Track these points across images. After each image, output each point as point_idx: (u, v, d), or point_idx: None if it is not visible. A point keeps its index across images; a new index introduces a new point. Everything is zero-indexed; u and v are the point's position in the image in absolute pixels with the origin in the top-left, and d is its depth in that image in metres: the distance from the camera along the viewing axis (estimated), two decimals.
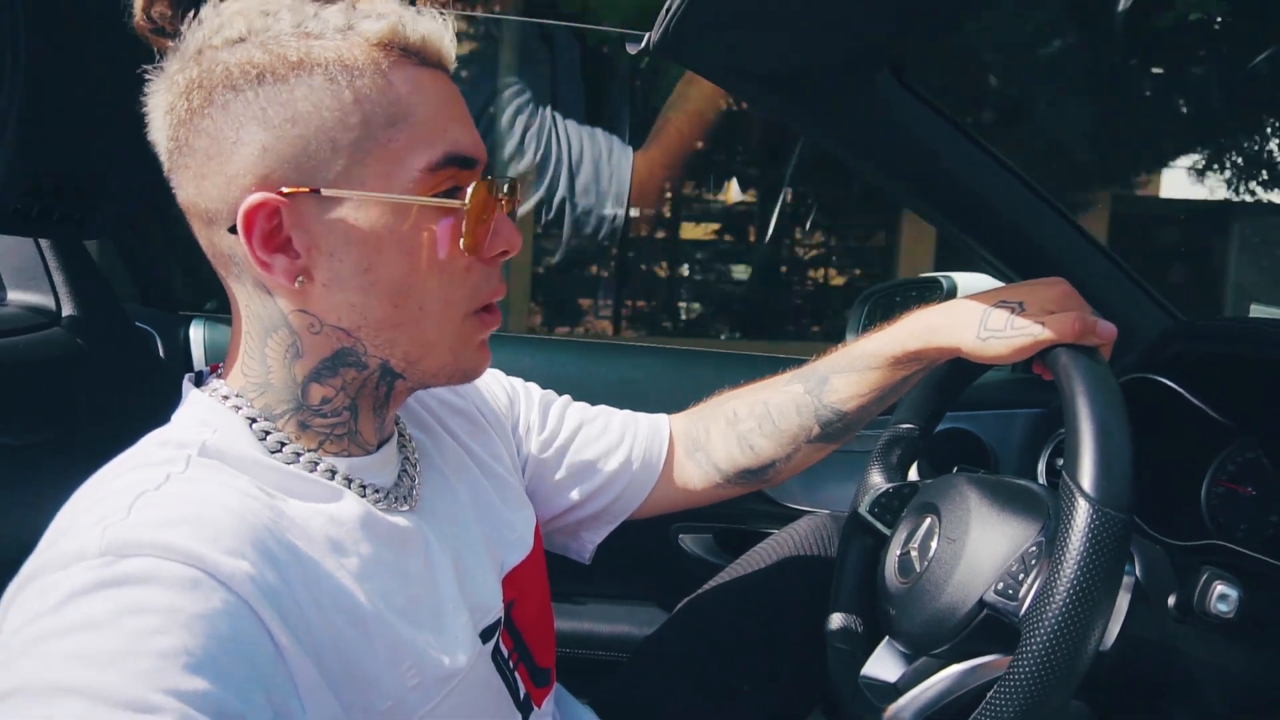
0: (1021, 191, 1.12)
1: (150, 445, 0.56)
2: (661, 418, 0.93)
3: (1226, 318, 1.01)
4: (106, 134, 0.85)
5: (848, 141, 1.12)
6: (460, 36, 0.62)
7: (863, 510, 0.84)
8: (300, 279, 0.55)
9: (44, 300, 1.04)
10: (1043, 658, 0.55)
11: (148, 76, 0.56)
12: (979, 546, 0.67)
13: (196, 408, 0.59)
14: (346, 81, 0.53)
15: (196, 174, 0.55)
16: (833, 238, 6.20)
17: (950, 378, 0.84)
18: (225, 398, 0.59)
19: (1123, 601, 0.63)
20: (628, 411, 0.92)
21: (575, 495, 0.86)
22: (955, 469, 0.80)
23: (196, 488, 0.52)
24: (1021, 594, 0.63)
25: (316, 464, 0.59)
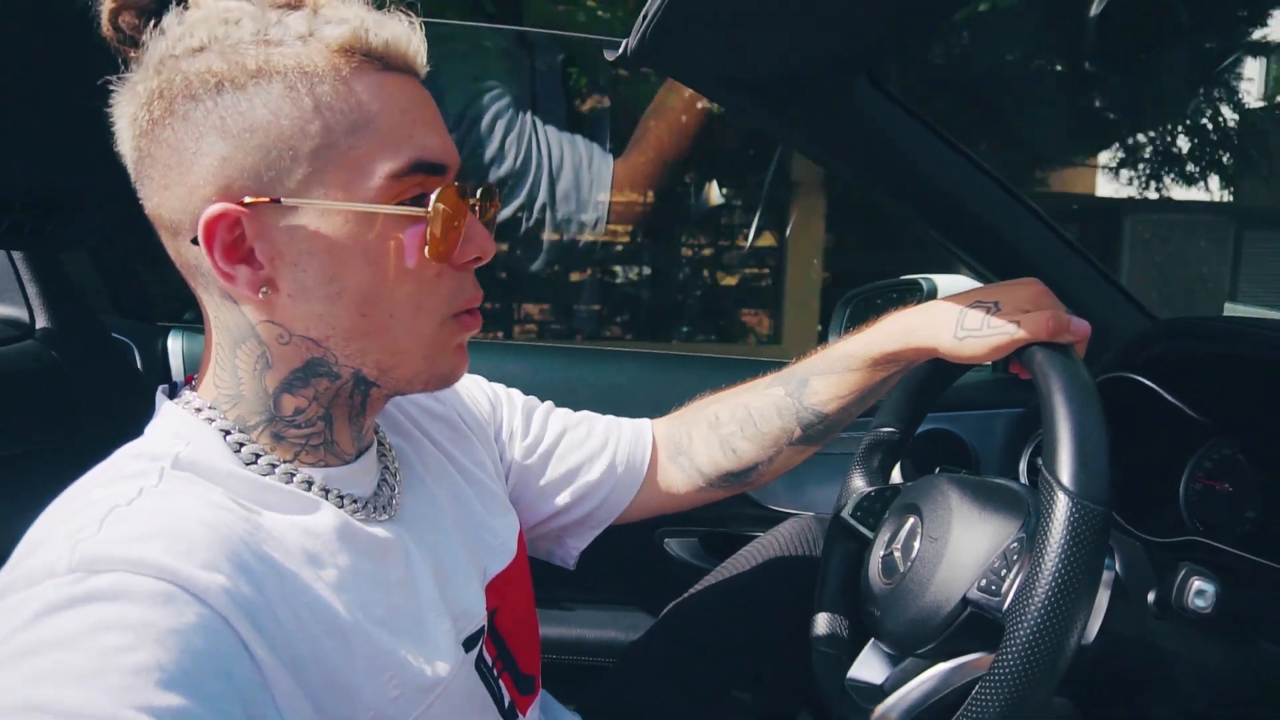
0: (997, 193, 1.13)
1: (123, 459, 0.55)
2: (644, 422, 0.93)
3: (1202, 316, 1.02)
4: (78, 146, 0.84)
5: (825, 146, 1.13)
6: (436, 41, 0.61)
7: (845, 514, 0.85)
8: (264, 289, 0.55)
9: (17, 313, 1.03)
10: (1027, 650, 0.56)
11: (112, 87, 0.55)
12: (961, 545, 0.68)
13: (169, 420, 0.58)
14: (306, 89, 0.53)
15: (160, 185, 0.54)
16: (722, 239, 6.23)
17: (929, 380, 0.85)
18: (198, 410, 0.58)
19: (1103, 598, 0.64)
20: (610, 417, 0.92)
21: (559, 501, 0.86)
22: (937, 469, 0.81)
23: (170, 501, 0.51)
24: (1004, 589, 0.63)
25: (293, 475, 0.59)
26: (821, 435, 0.86)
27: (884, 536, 0.79)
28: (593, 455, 0.87)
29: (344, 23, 0.54)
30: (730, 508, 1.19)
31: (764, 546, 1.00)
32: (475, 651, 0.67)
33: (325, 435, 0.61)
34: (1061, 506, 0.57)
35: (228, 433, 0.58)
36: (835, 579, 0.85)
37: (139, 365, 1.30)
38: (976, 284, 1.29)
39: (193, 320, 1.41)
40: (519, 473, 0.85)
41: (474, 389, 0.85)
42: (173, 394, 0.61)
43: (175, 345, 1.35)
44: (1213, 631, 0.69)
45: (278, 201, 0.53)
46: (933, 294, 1.34)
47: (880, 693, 0.72)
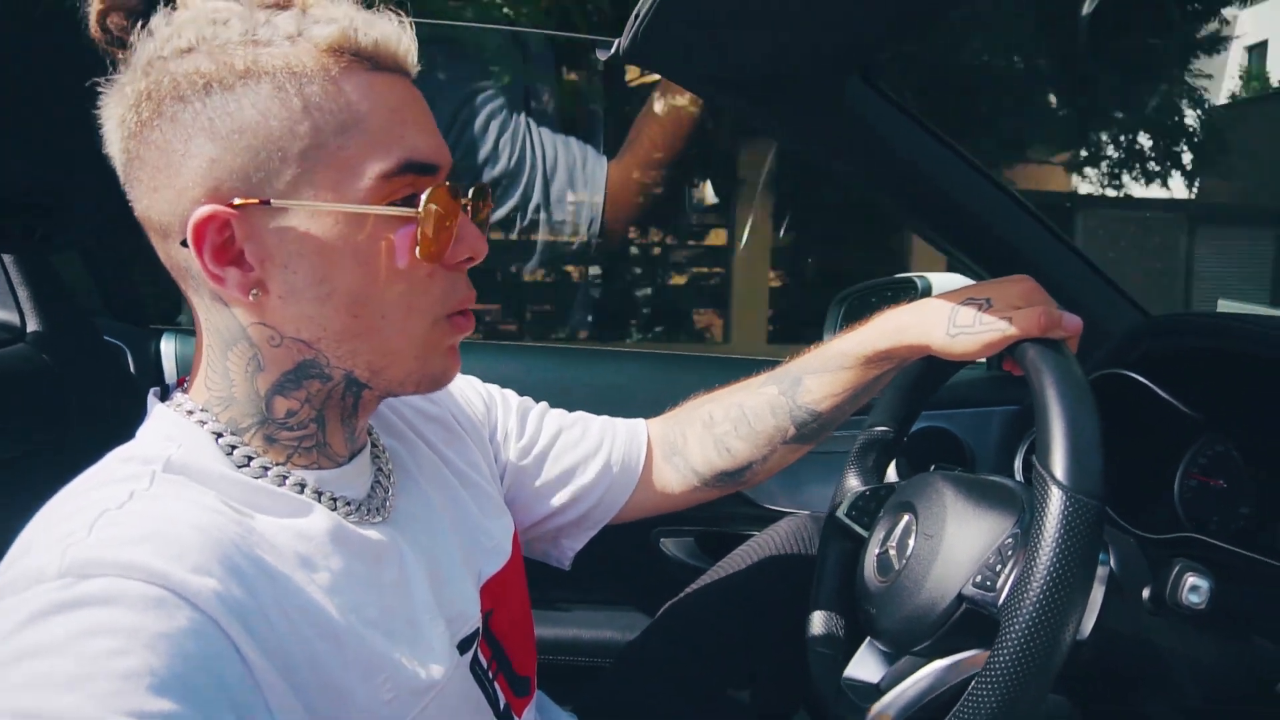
0: (991, 191, 1.13)
1: (114, 462, 0.55)
2: (639, 423, 0.93)
3: (1195, 312, 1.03)
4: (67, 148, 0.84)
5: (818, 145, 1.13)
6: (428, 41, 0.61)
7: (840, 514, 0.85)
8: (255, 291, 0.54)
9: (8, 316, 1.02)
10: (1022, 644, 0.56)
11: (100, 89, 0.55)
12: (956, 542, 0.68)
13: (161, 423, 0.58)
14: (295, 89, 0.52)
15: (148, 187, 0.54)
16: (669, 238, 6.26)
17: (923, 378, 0.85)
18: (190, 412, 0.58)
19: (1098, 594, 0.64)
20: (605, 417, 0.92)
21: (555, 502, 0.86)
22: (933, 467, 0.81)
23: (161, 504, 0.51)
24: (999, 584, 0.63)
25: (285, 478, 0.58)
26: (815, 434, 0.86)
27: (879, 535, 0.79)
28: (588, 456, 0.87)
29: (333, 22, 0.54)
30: (726, 507, 1.19)
31: (760, 545, 0.99)
32: (470, 654, 0.67)
33: (318, 437, 0.60)
34: (1055, 500, 0.57)
35: (220, 435, 0.57)
36: (831, 578, 0.85)
37: (132, 368, 1.29)
38: (971, 282, 1.30)
39: (186, 323, 1.41)
40: (514, 474, 0.85)
41: (468, 390, 0.85)
42: (164, 396, 0.61)
43: (168, 348, 1.34)
44: (1207, 627, 0.69)
45: (267, 203, 0.53)
46: (927, 292, 1.34)
47: (877, 691, 0.72)
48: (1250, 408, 0.92)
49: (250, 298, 0.54)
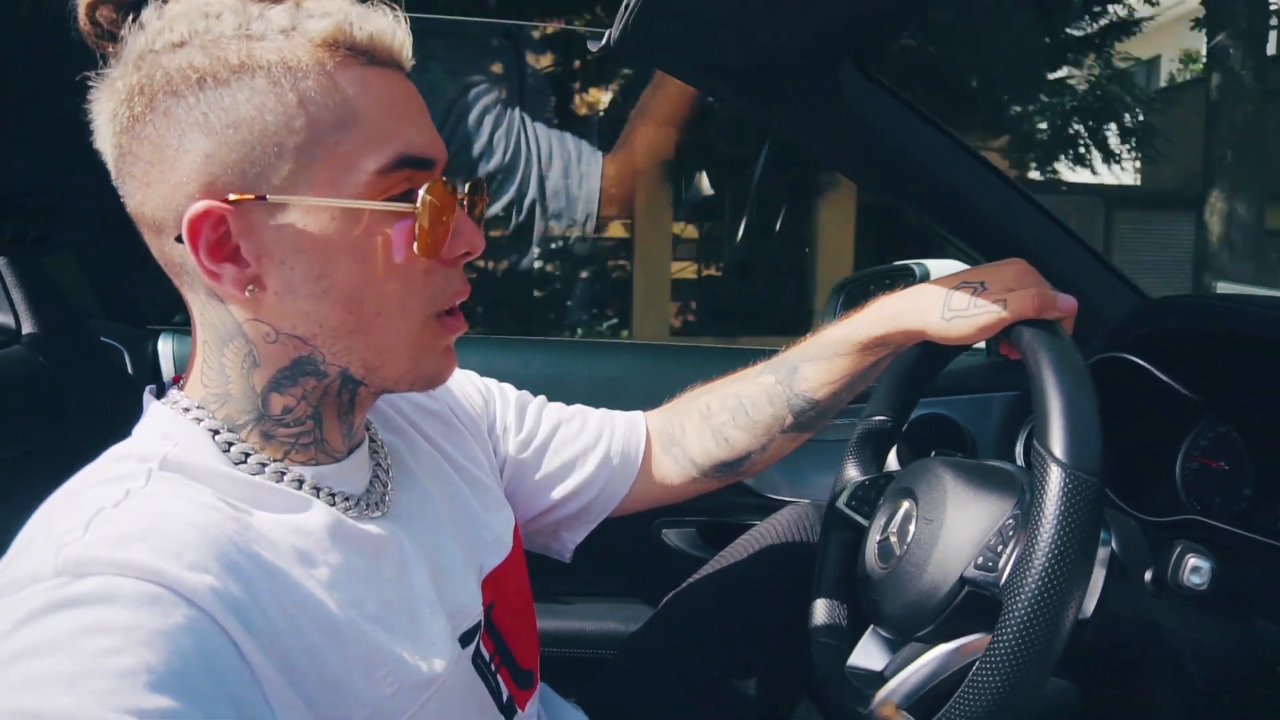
0: (987, 176, 1.13)
1: (110, 460, 0.55)
2: (637, 415, 0.92)
3: (1193, 295, 1.02)
4: (60, 147, 0.84)
5: (813, 133, 1.13)
6: (422, 35, 0.60)
7: (840, 504, 0.84)
8: (251, 288, 0.54)
9: (3, 319, 1.02)
10: (1025, 624, 0.56)
11: (90, 83, 0.54)
12: (956, 525, 0.68)
13: (157, 420, 0.58)
14: (290, 84, 0.52)
15: (142, 182, 0.54)
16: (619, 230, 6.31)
17: (919, 365, 0.85)
18: (186, 410, 0.58)
19: (1099, 576, 0.64)
20: (603, 410, 0.92)
21: (555, 495, 0.86)
22: (933, 454, 0.80)
23: (157, 502, 0.51)
24: (1000, 565, 0.63)
25: (283, 474, 0.58)
26: (813, 422, 0.86)
27: (879, 522, 0.78)
28: (587, 448, 0.87)
29: (327, 16, 0.53)
30: (728, 497, 1.19)
31: (762, 534, 0.99)
32: (472, 647, 0.66)
33: (315, 433, 0.60)
34: (1054, 478, 0.57)
35: (216, 432, 0.57)
36: (833, 568, 0.85)
37: (129, 369, 1.29)
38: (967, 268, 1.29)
39: (182, 323, 1.41)
40: (514, 467, 0.85)
41: (466, 384, 0.85)
42: (160, 394, 0.61)
43: (165, 348, 1.34)
44: (1209, 609, 0.69)
45: (263, 198, 0.52)
46: (925, 279, 1.34)
47: (880, 679, 0.72)
48: (1251, 389, 0.92)
49: (246, 294, 0.54)
